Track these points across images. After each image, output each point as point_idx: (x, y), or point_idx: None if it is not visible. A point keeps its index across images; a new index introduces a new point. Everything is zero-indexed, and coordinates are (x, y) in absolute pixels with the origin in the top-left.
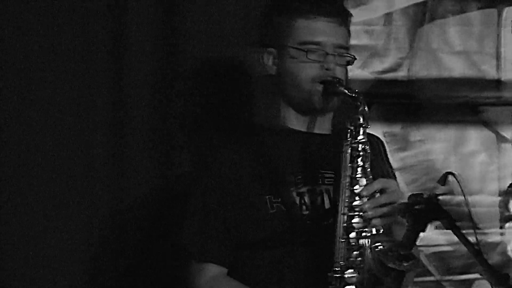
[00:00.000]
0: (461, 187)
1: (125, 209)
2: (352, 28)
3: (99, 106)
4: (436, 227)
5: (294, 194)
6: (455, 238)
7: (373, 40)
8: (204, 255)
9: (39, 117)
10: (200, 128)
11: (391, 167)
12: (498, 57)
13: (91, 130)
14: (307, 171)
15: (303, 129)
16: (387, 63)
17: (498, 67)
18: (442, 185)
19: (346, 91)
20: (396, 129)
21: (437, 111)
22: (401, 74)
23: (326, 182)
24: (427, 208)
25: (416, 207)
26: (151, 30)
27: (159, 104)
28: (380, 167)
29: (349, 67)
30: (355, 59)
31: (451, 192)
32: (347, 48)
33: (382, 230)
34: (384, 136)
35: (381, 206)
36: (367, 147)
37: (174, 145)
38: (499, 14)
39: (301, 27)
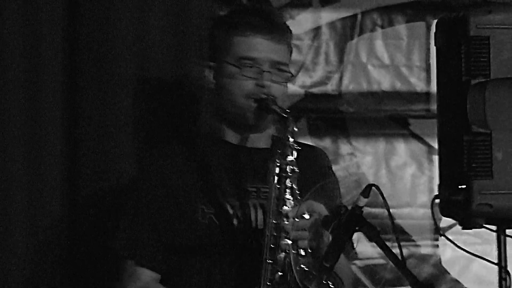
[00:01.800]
0: (384, 199)
1: (69, 212)
2: None
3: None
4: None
5: (228, 206)
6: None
7: (302, 55)
8: (137, 259)
9: None
10: (141, 136)
11: (336, 179)
12: (427, 69)
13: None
14: (241, 184)
15: (241, 144)
16: (316, 77)
17: (427, 79)
18: (365, 197)
19: (277, 110)
20: (327, 142)
21: (366, 124)
22: (330, 88)
23: (261, 196)
24: (349, 219)
25: (339, 218)
26: (96, 41)
27: (102, 111)
28: (317, 181)
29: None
30: (293, 76)
31: (382, 206)
32: (285, 65)
33: (309, 251)
34: None
35: (308, 228)
36: (295, 168)
37: (116, 152)
38: (428, 27)
39: (238, 43)
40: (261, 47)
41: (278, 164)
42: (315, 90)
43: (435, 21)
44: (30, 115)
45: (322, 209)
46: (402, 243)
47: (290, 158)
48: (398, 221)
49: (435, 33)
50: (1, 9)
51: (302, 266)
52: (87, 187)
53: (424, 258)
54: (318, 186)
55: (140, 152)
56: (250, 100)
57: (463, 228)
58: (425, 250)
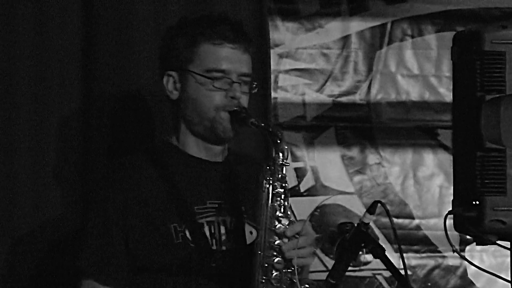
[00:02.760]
0: (389, 216)
1: (39, 229)
2: (309, 51)
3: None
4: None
5: (199, 223)
6: (412, 262)
7: (330, 64)
8: (101, 277)
9: None
10: (103, 149)
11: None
12: None
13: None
14: (207, 201)
15: (203, 156)
16: (345, 86)
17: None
18: (371, 214)
19: (258, 123)
20: (354, 152)
21: (394, 134)
22: (359, 97)
23: (221, 213)
24: (355, 236)
25: (345, 235)
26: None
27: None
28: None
29: (305, 90)
30: (257, 87)
31: (409, 216)
32: (250, 75)
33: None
34: (342, 159)
35: (301, 247)
36: (287, 185)
37: (77, 167)
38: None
39: (205, 52)
40: (229, 56)
41: (269, 182)
42: (343, 99)
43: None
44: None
45: (310, 230)
46: (428, 254)
47: (281, 175)
48: (425, 232)
49: (452, 48)
50: (15, 8)
51: (307, 286)
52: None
53: (450, 270)
54: (320, 204)
55: (106, 162)
56: (221, 112)
57: (476, 244)
58: (451, 261)
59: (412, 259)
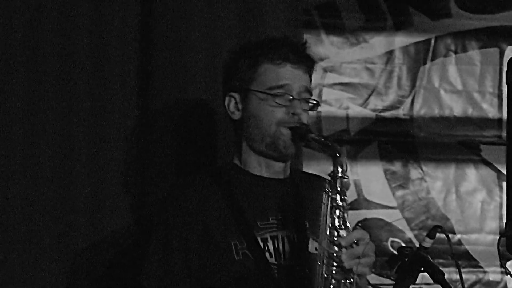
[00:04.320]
0: (449, 242)
1: (99, 243)
2: (353, 66)
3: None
4: None
5: (259, 240)
6: (454, 277)
7: (374, 78)
8: None
9: None
10: (168, 168)
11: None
12: (500, 95)
13: (69, 167)
14: (269, 217)
15: (264, 174)
16: (388, 100)
17: (499, 106)
18: (431, 238)
19: (317, 138)
20: (397, 166)
21: (437, 149)
22: (402, 112)
23: (280, 227)
24: (415, 260)
25: (404, 259)
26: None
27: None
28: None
29: (349, 104)
30: (319, 105)
31: (451, 231)
32: (311, 93)
33: (364, 280)
34: (385, 173)
35: (358, 257)
36: (345, 197)
37: (146, 186)
38: (501, 53)
39: (267, 71)
40: (289, 75)
41: (329, 194)
42: (386, 114)
43: (509, 47)
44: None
45: (367, 236)
46: (469, 269)
47: (340, 188)
48: (466, 247)
49: (507, 71)
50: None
51: None
52: (118, 221)
53: (491, 285)
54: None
55: (170, 181)
56: (282, 128)
57: None
58: (492, 276)
59: (454, 273)
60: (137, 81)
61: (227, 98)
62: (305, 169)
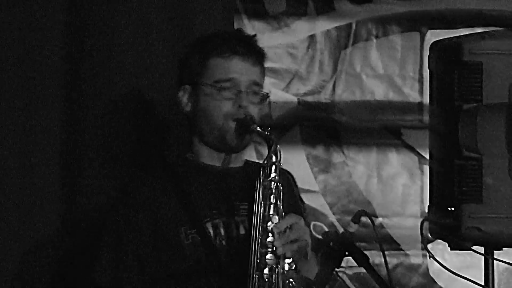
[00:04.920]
0: (373, 226)
1: (40, 241)
2: (275, 51)
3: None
4: None
5: (209, 225)
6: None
7: (297, 63)
8: None
9: None
10: (116, 162)
11: (302, 202)
12: (421, 80)
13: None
14: (222, 204)
15: (217, 164)
16: (310, 85)
17: (420, 90)
18: (355, 223)
19: (259, 130)
20: (319, 151)
21: (359, 133)
22: (324, 96)
23: (241, 214)
24: (339, 245)
25: (329, 244)
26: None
27: (71, 138)
28: (291, 203)
29: (271, 89)
30: (268, 97)
31: (373, 215)
32: (261, 86)
33: (294, 266)
34: (307, 158)
35: (292, 242)
36: (279, 185)
37: (88, 179)
38: (422, 38)
39: (215, 65)
40: (238, 68)
41: (261, 181)
42: (308, 98)
43: (430, 31)
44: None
45: (302, 222)
46: (391, 252)
47: (273, 175)
48: (388, 230)
49: (429, 56)
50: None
51: (289, 281)
52: (57, 216)
53: (412, 268)
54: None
55: (120, 177)
56: (229, 120)
57: (451, 249)
58: (414, 259)
59: (376, 257)
60: (65, 83)
61: (180, 91)
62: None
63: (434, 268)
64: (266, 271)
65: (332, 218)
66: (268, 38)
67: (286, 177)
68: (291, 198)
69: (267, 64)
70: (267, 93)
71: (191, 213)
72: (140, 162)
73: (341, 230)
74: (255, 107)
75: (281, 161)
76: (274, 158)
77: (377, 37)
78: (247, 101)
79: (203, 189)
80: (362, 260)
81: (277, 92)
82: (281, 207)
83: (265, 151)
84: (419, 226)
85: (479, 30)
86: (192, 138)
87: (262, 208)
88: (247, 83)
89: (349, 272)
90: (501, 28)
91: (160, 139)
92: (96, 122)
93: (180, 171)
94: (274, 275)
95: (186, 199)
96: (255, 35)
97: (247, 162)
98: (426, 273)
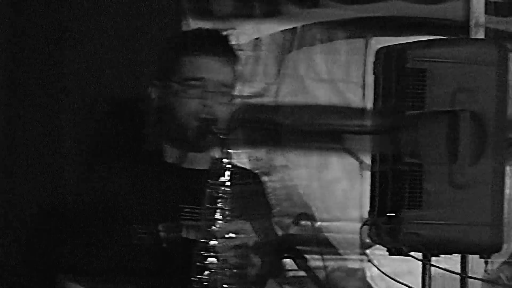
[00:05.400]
0: (313, 229)
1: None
2: None
3: None
4: None
5: (160, 226)
6: (314, 264)
7: (241, 65)
8: (75, 277)
9: None
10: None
11: (269, 204)
12: (364, 85)
13: None
14: (175, 205)
15: (179, 163)
16: (254, 88)
17: (363, 95)
18: (296, 225)
19: (215, 131)
20: (261, 153)
21: (302, 137)
22: (268, 99)
23: (192, 217)
24: (280, 246)
25: (269, 245)
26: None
27: (46, 134)
28: (258, 205)
29: None
30: (235, 97)
31: (312, 219)
32: (230, 86)
33: (236, 270)
34: (249, 160)
35: (235, 247)
36: (227, 189)
37: (62, 174)
38: (366, 43)
39: (186, 62)
40: (208, 67)
41: (210, 185)
42: (252, 100)
43: (375, 38)
44: None
45: (248, 228)
46: (330, 257)
47: (222, 179)
48: (327, 234)
49: (374, 62)
50: None
51: (231, 285)
52: (27, 202)
53: (350, 272)
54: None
55: (82, 170)
56: (192, 119)
57: (389, 254)
58: (352, 264)
59: (314, 260)
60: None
61: (149, 87)
62: None
63: (372, 273)
64: (206, 274)
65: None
66: None
67: (254, 178)
68: (258, 201)
69: None
70: (235, 94)
71: (143, 212)
72: (104, 153)
73: (280, 232)
74: (222, 107)
75: (231, 163)
76: (224, 161)
77: (322, 42)
78: (213, 101)
79: (158, 187)
80: (301, 263)
81: None
82: (228, 211)
83: None
84: (358, 231)
85: (423, 37)
86: (158, 135)
87: (208, 212)
88: (216, 83)
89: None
90: (445, 36)
91: (124, 135)
92: (68, 116)
93: (140, 168)
94: (215, 279)
95: (142, 197)
96: (227, 35)
97: (214, 162)
98: (364, 278)
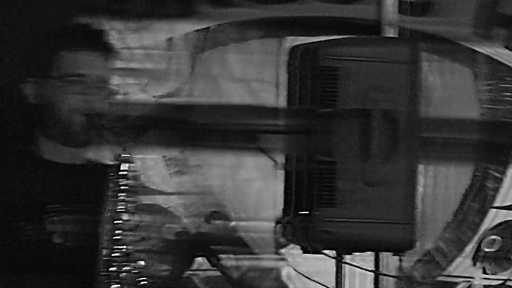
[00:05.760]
0: (226, 228)
1: None
2: (134, 51)
3: None
4: None
5: (48, 222)
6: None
7: (154, 64)
8: None
9: None
10: None
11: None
12: (277, 85)
13: None
14: (64, 200)
15: (62, 159)
16: (168, 87)
17: (277, 95)
18: (208, 223)
19: (107, 125)
20: (175, 153)
21: (215, 136)
22: (181, 99)
23: (82, 211)
24: (191, 245)
25: (181, 243)
26: None
27: None
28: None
29: (129, 90)
30: (116, 92)
31: (227, 218)
32: (109, 81)
33: (144, 263)
34: (163, 159)
35: (142, 240)
36: (130, 181)
37: None
38: (280, 43)
39: (63, 58)
40: (87, 63)
41: (111, 179)
42: (166, 100)
43: (288, 37)
44: None
45: (157, 220)
46: (244, 256)
47: (122, 172)
48: (241, 233)
49: (287, 61)
50: None
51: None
52: None
53: (265, 272)
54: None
55: None
56: (75, 114)
57: (303, 253)
58: (267, 263)
59: (228, 259)
60: None
61: (25, 84)
62: None
63: (287, 272)
64: (113, 269)
65: (186, 220)
66: (128, 39)
67: None
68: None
69: (125, 64)
70: (115, 89)
71: (32, 210)
72: None
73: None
74: (102, 102)
75: (130, 158)
76: (124, 154)
77: (235, 41)
78: (94, 96)
79: (43, 185)
80: (215, 261)
81: (135, 93)
82: (133, 204)
83: None
84: (273, 230)
85: (336, 36)
86: (35, 131)
87: (112, 205)
88: (95, 78)
89: (201, 274)
90: (358, 35)
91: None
92: None
93: (19, 166)
94: (123, 273)
95: (25, 195)
96: (104, 30)
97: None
98: (279, 278)
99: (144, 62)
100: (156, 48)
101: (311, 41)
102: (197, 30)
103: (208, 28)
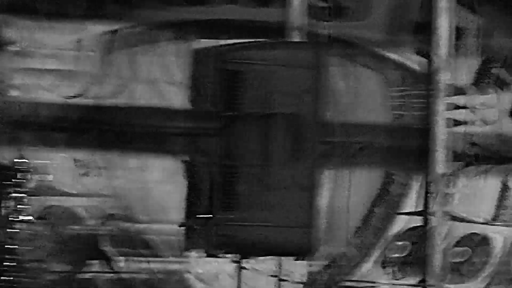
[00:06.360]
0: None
1: None
2: (43, 51)
3: None
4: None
5: None
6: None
7: (64, 65)
8: None
9: None
10: None
11: None
12: (185, 87)
13: None
14: None
15: None
16: (76, 88)
17: (185, 97)
18: (104, 226)
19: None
20: (82, 154)
21: (123, 138)
22: (91, 100)
23: None
24: (85, 247)
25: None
26: None
27: None
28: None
29: (37, 90)
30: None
31: (134, 221)
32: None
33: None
34: (71, 160)
35: (35, 249)
36: (20, 189)
37: None
38: (190, 46)
39: None
40: None
41: (7, 180)
42: (75, 100)
43: (198, 40)
44: None
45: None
46: (151, 258)
47: (21, 173)
48: (148, 236)
49: (193, 64)
50: None
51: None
52: None
53: (170, 273)
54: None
55: None
56: None
57: (207, 256)
58: (171, 265)
59: (135, 262)
60: None
61: None
62: None
63: (191, 275)
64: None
65: (91, 222)
66: (37, 38)
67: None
68: None
69: (35, 65)
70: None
71: None
72: None
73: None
74: None
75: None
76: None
77: (144, 43)
78: None
79: None
80: (108, 264)
81: (43, 93)
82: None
83: None
84: (177, 233)
85: (243, 40)
86: None
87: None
88: None
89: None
90: (263, 39)
91: None
92: None
93: None
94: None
95: None
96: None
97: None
98: (184, 280)
99: (51, 62)
100: (64, 48)
101: (218, 44)
102: (107, 32)
103: (118, 29)
